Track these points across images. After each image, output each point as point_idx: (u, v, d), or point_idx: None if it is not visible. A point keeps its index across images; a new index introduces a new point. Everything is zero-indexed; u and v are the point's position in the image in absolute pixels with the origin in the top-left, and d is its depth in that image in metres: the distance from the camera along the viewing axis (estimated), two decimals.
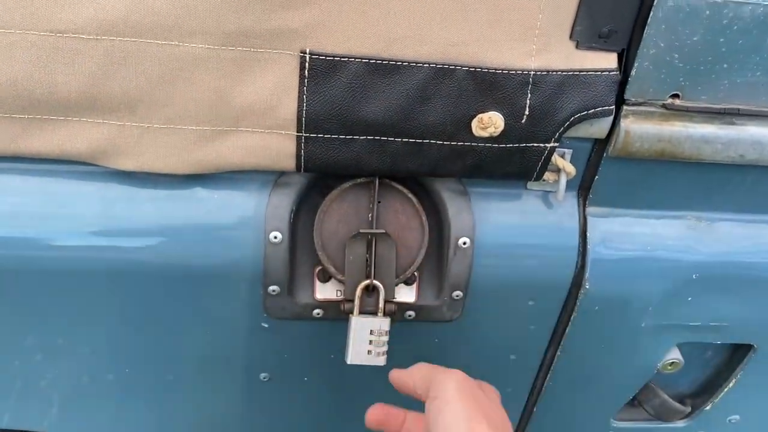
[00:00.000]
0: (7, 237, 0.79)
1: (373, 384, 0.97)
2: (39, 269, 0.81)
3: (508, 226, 0.86)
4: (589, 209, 0.88)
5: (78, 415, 0.97)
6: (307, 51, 0.71)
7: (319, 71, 0.72)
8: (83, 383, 0.93)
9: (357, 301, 0.81)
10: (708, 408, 1.08)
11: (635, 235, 0.89)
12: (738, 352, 1.03)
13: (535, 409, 1.04)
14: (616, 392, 1.03)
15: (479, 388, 0.68)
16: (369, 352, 0.81)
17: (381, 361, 0.81)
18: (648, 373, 0.99)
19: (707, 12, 0.71)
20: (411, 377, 0.72)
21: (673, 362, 0.98)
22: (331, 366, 0.95)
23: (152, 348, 0.90)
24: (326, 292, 0.87)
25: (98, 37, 0.68)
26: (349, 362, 0.81)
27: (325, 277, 0.87)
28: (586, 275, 0.87)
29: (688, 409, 1.08)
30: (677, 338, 0.96)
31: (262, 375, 0.95)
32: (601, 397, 1.03)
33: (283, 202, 0.82)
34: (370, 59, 0.72)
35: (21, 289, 0.82)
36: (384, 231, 0.81)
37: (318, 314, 0.87)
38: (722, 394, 1.06)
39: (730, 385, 1.05)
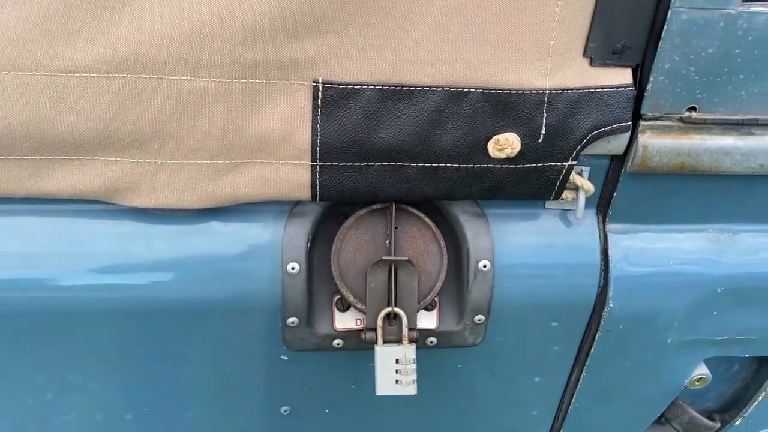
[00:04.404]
0: (23, 279, 0.78)
1: (398, 415, 0.96)
2: (55, 310, 0.79)
3: (528, 247, 0.85)
4: (609, 226, 0.87)
5: None
6: (320, 80, 0.71)
7: (332, 100, 0.71)
8: (100, 423, 0.92)
9: (379, 330, 0.80)
10: (738, 423, 1.06)
11: (657, 251, 0.87)
12: (766, 365, 1.01)
13: (562, 430, 1.02)
14: (643, 410, 1.01)
15: None
16: (397, 381, 0.79)
17: (411, 390, 0.79)
18: (675, 389, 0.97)
19: (721, 23, 0.71)
20: None
21: (700, 378, 0.96)
22: (352, 397, 0.93)
23: (170, 385, 0.89)
24: (346, 321, 0.86)
25: (109, 75, 0.68)
26: (378, 393, 0.79)
27: (344, 307, 0.85)
28: (610, 293, 0.86)
29: (718, 425, 1.05)
30: (704, 353, 0.94)
31: (283, 409, 0.93)
32: (629, 415, 1.01)
33: (299, 232, 0.81)
34: (383, 85, 0.71)
35: (39, 329, 0.81)
36: (407, 258, 0.80)
37: (338, 344, 0.86)
38: (752, 408, 1.04)
39: (760, 398, 1.03)
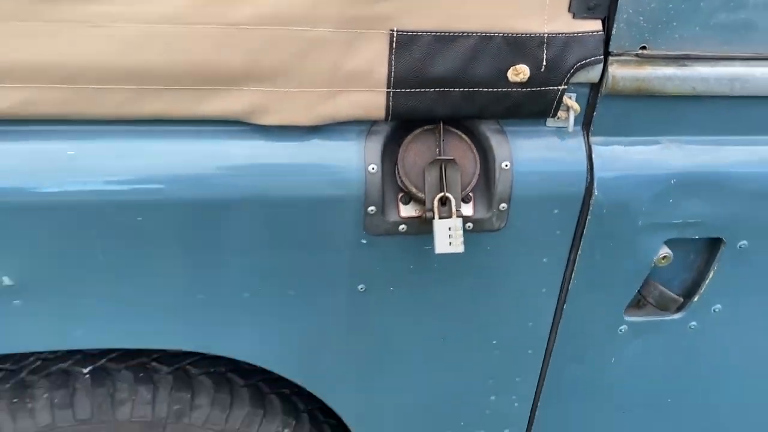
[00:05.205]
0: (186, 181, 1.10)
1: (443, 291, 1.28)
2: (201, 203, 1.11)
3: (535, 153, 1.19)
4: (592, 138, 1.21)
5: (221, 329, 1.26)
6: (395, 29, 1.05)
7: (402, 43, 1.06)
8: (226, 302, 1.23)
9: (436, 210, 1.13)
10: (696, 300, 1.39)
11: (627, 155, 1.21)
12: (713, 249, 1.35)
13: (564, 306, 1.34)
14: (625, 285, 1.33)
15: None
16: (450, 243, 1.12)
17: (460, 248, 1.12)
18: (647, 266, 1.31)
19: None
20: None
21: (665, 256, 1.30)
22: (411, 274, 1.25)
23: (280, 267, 1.20)
24: (408, 211, 1.18)
25: (256, 27, 1.01)
26: (437, 252, 1.12)
27: (406, 201, 1.18)
28: (594, 186, 1.20)
29: (681, 300, 1.39)
30: (666, 235, 1.28)
31: (360, 286, 1.25)
32: (614, 290, 1.34)
33: (375, 144, 1.14)
34: (436, 32, 1.06)
35: (187, 222, 1.13)
36: (453, 158, 1.14)
37: (403, 229, 1.18)
38: (704, 287, 1.38)
39: (710, 277, 1.36)
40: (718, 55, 1.15)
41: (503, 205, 1.19)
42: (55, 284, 1.16)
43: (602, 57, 1.11)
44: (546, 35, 1.08)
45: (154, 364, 1.49)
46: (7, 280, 1.12)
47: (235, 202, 1.12)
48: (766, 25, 1.13)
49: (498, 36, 1.07)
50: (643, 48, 1.13)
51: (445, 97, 1.11)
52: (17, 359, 1.50)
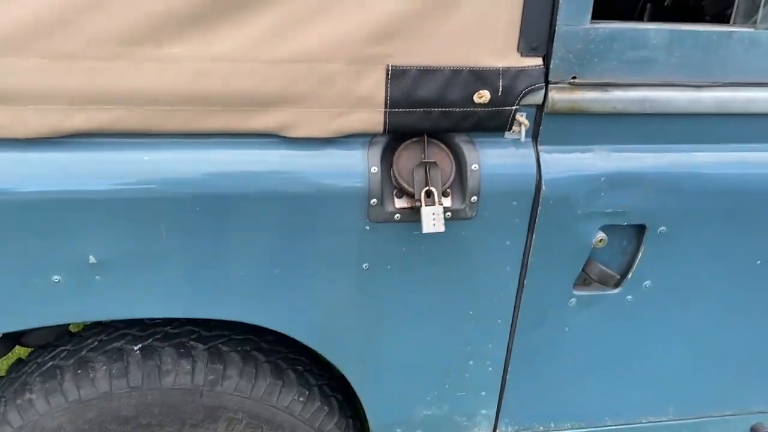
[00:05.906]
0: (233, 179, 1.45)
1: (431, 267, 1.62)
2: (244, 197, 1.46)
3: (497, 158, 1.56)
4: (540, 147, 1.58)
5: (259, 300, 1.58)
6: (390, 65, 1.42)
7: (396, 75, 1.43)
8: (261, 278, 1.55)
9: (423, 200, 1.48)
10: (630, 277, 1.75)
11: (566, 160, 1.59)
12: (640, 234, 1.71)
13: (525, 282, 1.69)
14: (571, 263, 1.69)
15: None
16: (434, 224, 1.47)
17: (442, 228, 1.47)
18: (587, 247, 1.67)
19: (581, 33, 1.46)
20: None
21: (601, 239, 1.66)
22: (404, 255, 1.60)
23: (302, 248, 1.54)
24: (401, 203, 1.54)
25: (289, 63, 1.38)
26: (424, 232, 1.47)
27: (400, 195, 1.54)
28: (543, 183, 1.57)
29: (618, 276, 1.74)
30: (600, 222, 1.64)
31: (364, 265, 1.59)
32: (563, 268, 1.69)
33: (376, 151, 1.50)
34: (420, 66, 1.43)
35: (230, 212, 1.47)
36: (435, 161, 1.50)
37: (397, 217, 1.54)
38: (635, 266, 1.74)
39: (639, 258, 1.73)
40: (631, 83, 1.54)
41: (474, 198, 1.55)
42: (129, 263, 1.48)
43: (543, 84, 1.50)
44: (501, 68, 1.46)
45: (192, 342, 1.81)
46: (92, 259, 1.45)
47: (268, 197, 1.47)
48: (663, 59, 1.53)
49: (466, 69, 1.45)
50: (574, 78, 1.51)
51: (428, 115, 1.48)
52: (77, 341, 1.81)
